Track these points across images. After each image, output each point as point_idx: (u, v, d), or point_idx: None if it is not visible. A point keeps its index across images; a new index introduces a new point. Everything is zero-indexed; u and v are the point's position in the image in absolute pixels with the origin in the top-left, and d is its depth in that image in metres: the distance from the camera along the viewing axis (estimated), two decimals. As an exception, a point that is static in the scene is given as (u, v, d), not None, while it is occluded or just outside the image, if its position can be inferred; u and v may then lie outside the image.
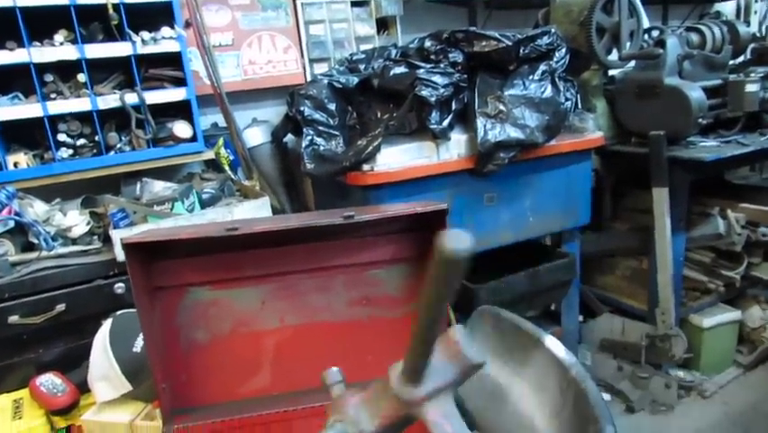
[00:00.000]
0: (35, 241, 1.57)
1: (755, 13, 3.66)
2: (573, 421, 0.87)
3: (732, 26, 2.51)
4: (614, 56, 2.36)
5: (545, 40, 1.92)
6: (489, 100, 1.86)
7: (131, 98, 1.79)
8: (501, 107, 1.85)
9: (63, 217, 1.63)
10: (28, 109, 1.67)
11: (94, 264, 1.56)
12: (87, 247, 1.61)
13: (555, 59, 1.97)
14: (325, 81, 1.97)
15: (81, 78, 1.73)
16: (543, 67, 1.94)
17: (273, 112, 2.39)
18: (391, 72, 1.84)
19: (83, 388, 1.41)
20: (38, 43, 1.67)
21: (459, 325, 0.44)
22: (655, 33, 2.42)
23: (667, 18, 3.55)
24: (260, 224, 1.07)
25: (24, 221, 1.57)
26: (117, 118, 1.84)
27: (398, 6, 2.49)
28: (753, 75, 2.26)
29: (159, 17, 1.82)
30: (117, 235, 1.50)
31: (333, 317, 1.23)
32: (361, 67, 2.19)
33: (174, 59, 1.86)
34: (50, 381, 1.41)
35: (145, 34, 1.78)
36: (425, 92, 1.72)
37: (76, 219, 1.62)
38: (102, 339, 1.34)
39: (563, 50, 1.99)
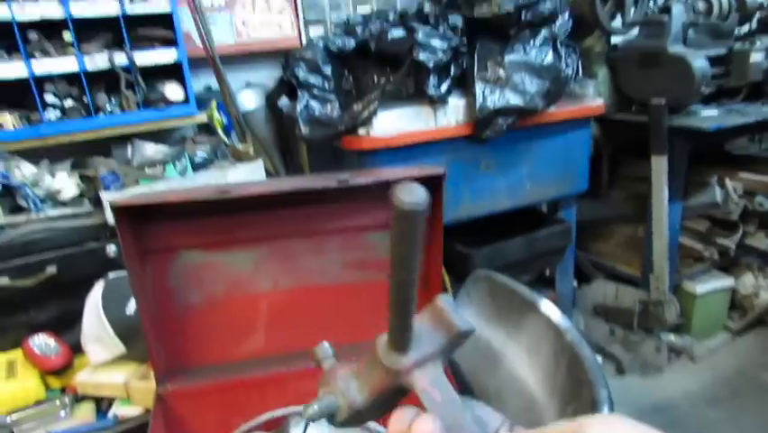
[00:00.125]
0: (24, 204, 1.55)
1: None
2: (567, 384, 0.87)
3: (739, -7, 2.46)
4: (617, 22, 2.31)
5: (548, 5, 1.87)
6: (489, 65, 1.83)
7: (120, 59, 1.74)
8: (501, 73, 1.82)
9: (52, 180, 1.60)
10: (12, 68, 1.62)
11: (85, 227, 1.54)
12: (78, 210, 1.59)
13: (557, 25, 1.93)
14: (321, 44, 1.92)
15: (67, 36, 1.68)
16: (544, 32, 1.90)
17: (267, 75, 2.34)
18: (389, 36, 1.80)
19: (77, 349, 1.41)
20: (20, -1, 1.61)
21: (446, 294, 0.42)
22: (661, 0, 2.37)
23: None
24: (254, 187, 1.06)
25: (12, 183, 1.54)
26: (106, 80, 1.79)
27: (397, -33, 2.42)
28: (758, 44, 2.21)
29: (148, -26, 1.76)
30: (107, 198, 1.48)
31: (327, 280, 1.22)
32: (359, 30, 2.13)
33: (164, 20, 1.81)
34: (43, 342, 1.41)
35: (134, -8, 1.72)
36: (423, 56, 1.68)
37: (65, 182, 1.60)
38: (94, 302, 1.33)
39: (566, 16, 1.94)
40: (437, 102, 1.75)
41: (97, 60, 1.72)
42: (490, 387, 1.03)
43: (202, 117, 1.94)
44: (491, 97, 1.76)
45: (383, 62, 1.86)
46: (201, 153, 1.76)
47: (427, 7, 1.93)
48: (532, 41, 1.88)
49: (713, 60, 2.17)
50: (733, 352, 2.50)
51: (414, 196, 0.28)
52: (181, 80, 1.86)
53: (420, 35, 1.71)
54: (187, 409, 1.12)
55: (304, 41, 2.29)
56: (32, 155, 1.75)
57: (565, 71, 1.89)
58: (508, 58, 1.84)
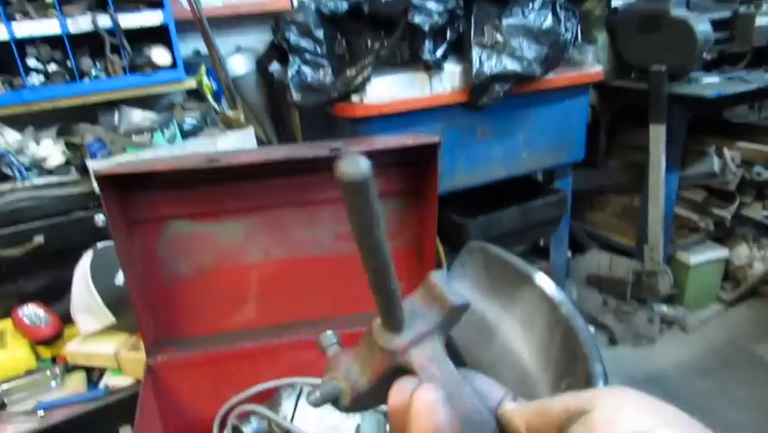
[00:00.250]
0: (8, 172, 1.51)
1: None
2: (561, 358, 0.86)
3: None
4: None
5: (547, -35, 1.81)
6: (486, 29, 1.77)
7: (104, 21, 1.68)
8: (498, 38, 1.77)
9: (37, 147, 1.56)
10: (-8, 30, 1.56)
11: (72, 196, 1.51)
12: (64, 178, 1.55)
13: (557, -14, 1.87)
14: (313, 6, 1.86)
15: (48, -4, 1.61)
16: (543, -6, 1.84)
17: (258, 39, 2.27)
18: (383, -3, 1.74)
19: (66, 319, 1.39)
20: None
21: (440, 270, 0.41)
22: (664, -40, 2.30)
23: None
24: (243, 155, 1.02)
25: (-4, 150, 1.50)
26: (90, 43, 1.73)
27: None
28: (764, 7, 2.16)
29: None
30: (94, 167, 1.44)
31: (319, 251, 1.20)
32: (352, -9, 2.07)
33: (149, -21, 1.74)
34: (32, 311, 1.39)
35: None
36: (418, 19, 1.63)
37: (50, 149, 1.55)
38: (83, 272, 1.31)
39: (566, -23, 1.88)
40: (433, 67, 1.71)
41: (80, 23, 1.65)
42: (484, 360, 1.02)
43: (191, 83, 1.89)
44: (488, 63, 1.72)
45: (377, 26, 1.80)
46: (190, 120, 1.72)
47: (423, -32, 1.86)
48: (531, 4, 1.83)
49: (716, 24, 2.12)
50: (725, 323, 2.52)
51: (355, 166, 0.27)
52: (168, 44, 1.80)
53: (415, -3, 1.65)
54: (177, 380, 1.10)
55: (295, 4, 2.22)
56: (16, 122, 1.71)
57: (564, 36, 1.83)
58: (506, 21, 1.78)
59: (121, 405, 1.20)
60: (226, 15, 2.15)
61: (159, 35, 1.79)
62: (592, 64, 2.05)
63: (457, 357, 1.08)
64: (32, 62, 1.65)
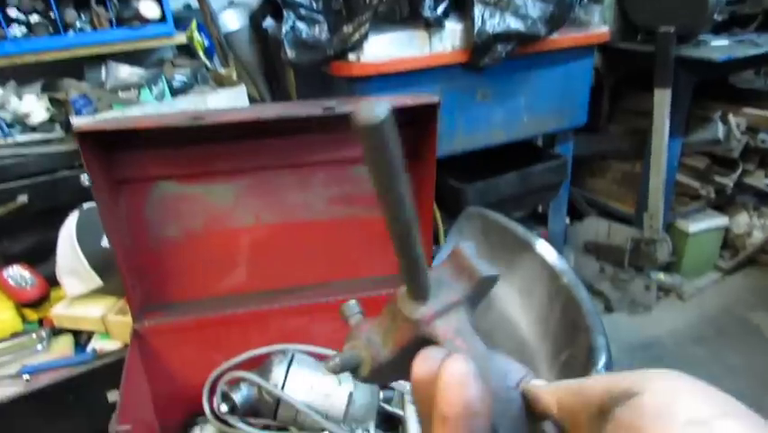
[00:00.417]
0: (-10, 127, 1.45)
1: None
2: (561, 328, 0.83)
3: None
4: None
5: None
6: (489, -15, 1.69)
7: (88, -31, 1.59)
8: (502, -6, 1.69)
9: (20, 102, 1.50)
10: (-31, -23, 1.48)
11: (56, 154, 1.46)
12: (49, 136, 1.49)
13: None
14: (308, -43, 1.76)
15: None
16: (550, -54, 1.75)
17: (251, -7, 2.18)
18: (382, -53, 1.65)
19: (53, 281, 1.36)
20: None
21: (469, 241, 0.39)
22: None
23: None
24: (231, 114, 0.97)
25: (-24, 105, 1.44)
26: (75, -7, 1.65)
27: None
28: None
29: None
30: (76, 123, 1.38)
31: (312, 215, 1.16)
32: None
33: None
34: (17, 273, 1.36)
35: None
36: (418, -29, 1.55)
37: (34, 105, 1.49)
38: (68, 233, 1.27)
39: (574, -72, 1.78)
40: (433, 25, 1.63)
41: (63, -30, 1.57)
42: (481, 328, 1.00)
43: (181, 38, 1.81)
44: (491, 21, 1.64)
45: (376, -20, 1.71)
46: (180, 77, 1.65)
47: None
48: (537, -40, 1.74)
49: (728, -16, 2.04)
50: (721, 291, 2.51)
51: (373, 110, 0.26)
52: (157, -4, 1.72)
53: (416, -52, 1.57)
54: (165, 345, 1.08)
55: (291, -44, 2.11)
56: (-2, 75, 1.64)
57: (571, -7, 1.75)
58: (511, -24, 1.70)
59: (108, 370, 1.18)
60: (218, -33, 2.05)
61: (146, -14, 1.70)
62: (598, 25, 1.97)
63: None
64: (12, 12, 1.56)
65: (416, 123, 1.08)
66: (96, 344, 1.26)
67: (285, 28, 1.68)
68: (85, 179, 1.39)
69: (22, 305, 1.35)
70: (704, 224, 2.46)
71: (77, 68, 1.75)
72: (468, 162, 1.91)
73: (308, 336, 1.11)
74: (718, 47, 2.08)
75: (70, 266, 1.27)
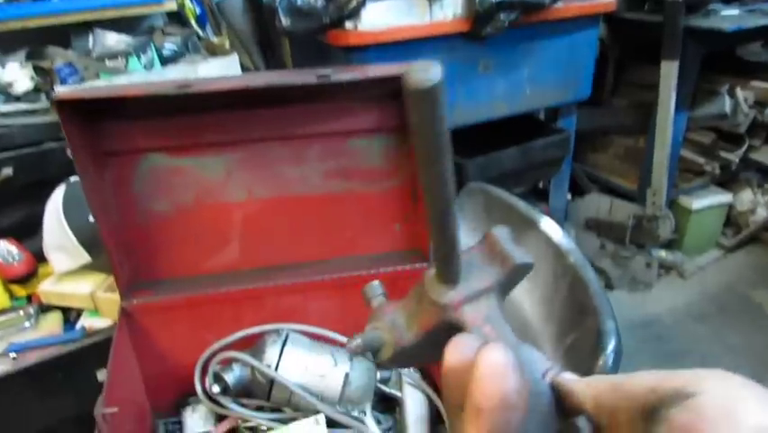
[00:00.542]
0: (-28, 97, 1.40)
1: None
2: (567, 310, 0.80)
3: None
4: None
5: None
6: (493, -51, 1.62)
7: (72, -70, 1.51)
8: (505, -42, 1.61)
9: (2, 71, 1.43)
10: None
11: (42, 125, 1.40)
12: (34, 106, 1.43)
13: None
14: None
15: None
16: None
17: (245, -42, 2.09)
18: None
19: (41, 256, 1.32)
20: None
21: (503, 226, 0.38)
22: None
23: None
24: (220, 82, 0.92)
25: (-43, 73, 1.38)
26: (59, -45, 1.57)
27: None
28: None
29: None
30: (57, 91, 1.33)
31: (307, 189, 1.11)
32: None
33: None
34: (4, 248, 1.32)
35: None
36: (418, -66, 1.47)
37: (17, 73, 1.43)
38: (55, 208, 1.23)
39: None
40: (434, -9, 1.56)
41: (45, -69, 1.49)
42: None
43: (171, 5, 1.73)
44: (494, -12, 1.57)
45: (374, -57, 1.64)
46: (170, 46, 1.58)
47: None
48: (543, -77, 1.66)
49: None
50: (723, 269, 2.48)
51: (426, 72, 0.25)
52: (146, -41, 1.64)
53: None
54: (155, 324, 1.04)
55: None
56: (-20, 44, 1.57)
57: (578, -40, 1.68)
58: (516, -59, 1.62)
59: (98, 348, 1.14)
60: (209, -70, 1.96)
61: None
62: (605, -8, 1.90)
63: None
64: (-7, -23, 1.49)
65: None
66: (86, 321, 1.23)
67: (279, -5, 1.61)
68: (71, 151, 1.34)
69: (9, 281, 1.31)
70: (707, 200, 2.42)
71: (64, 35, 1.68)
72: (468, 137, 1.85)
73: (303, 315, 1.08)
74: (728, 17, 2.01)
75: (57, 242, 1.23)
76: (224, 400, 0.99)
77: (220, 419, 1.04)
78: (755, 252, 2.55)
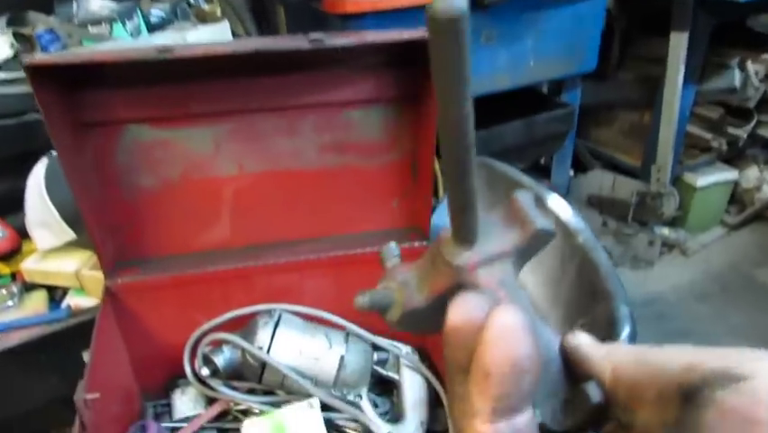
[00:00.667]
0: (-52, 65, 1.32)
1: None
2: (576, 293, 0.75)
3: None
4: None
5: None
6: None
7: None
8: None
9: (-20, 37, 1.36)
10: None
11: (24, 95, 1.33)
12: (14, 75, 1.36)
13: None
14: None
15: None
16: None
17: None
18: None
19: (24, 233, 1.26)
20: None
21: (526, 190, 0.35)
22: None
23: None
24: (204, 47, 0.85)
25: (-67, 40, 1.31)
26: None
27: None
28: None
29: None
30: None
31: (300, 164, 1.06)
32: None
33: None
34: (-14, 225, 1.26)
35: None
36: None
37: (-4, 40, 1.36)
38: (36, 182, 1.17)
39: None
40: (435, -44, 1.49)
41: None
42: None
43: (159, -31, 1.66)
44: (499, -47, 1.50)
45: None
46: (157, 12, 1.50)
47: None
48: None
49: None
50: (726, 247, 2.44)
51: (453, 1, 0.23)
52: None
53: None
54: (141, 304, 1.00)
55: None
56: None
57: (587, -76, 1.60)
58: None
59: (84, 328, 1.09)
60: None
61: None
62: (614, -40, 1.82)
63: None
64: (-31, -64, 1.41)
65: (416, 62, 0.97)
66: (72, 300, 1.18)
67: (273, -42, 1.54)
68: (54, 122, 1.28)
69: (-9, 258, 1.26)
70: (712, 177, 2.37)
71: (46, 1, 1.60)
72: (470, 110, 1.79)
73: (296, 295, 1.03)
74: (742, -15, 1.93)
75: (40, 218, 1.17)
76: (213, 383, 0.95)
77: (211, 401, 1.01)
78: (760, 230, 2.50)
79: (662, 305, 2.12)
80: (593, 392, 0.30)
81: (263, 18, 1.99)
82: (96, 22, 1.36)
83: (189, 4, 1.68)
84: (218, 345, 0.96)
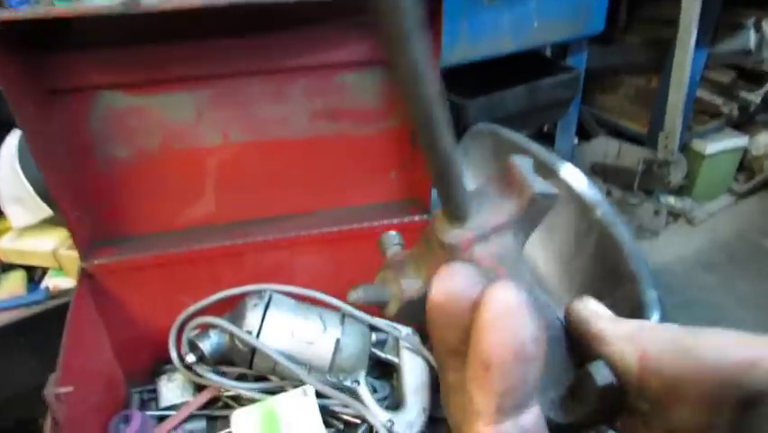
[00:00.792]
0: None
1: None
2: (592, 275, 0.68)
3: None
4: None
5: None
6: None
7: None
8: None
9: (-57, -2, 1.26)
10: None
11: (-8, 62, 1.24)
12: (-18, 39, 1.27)
13: None
14: None
15: None
16: None
17: None
18: None
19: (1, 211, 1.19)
20: None
21: (521, 154, 0.31)
22: None
23: None
24: (179, 1, 0.76)
25: None
26: None
27: None
28: None
29: None
30: None
31: (290, 132, 0.98)
32: None
33: None
34: (-42, 202, 1.19)
35: None
36: None
37: (-39, 1, 1.26)
38: (8, 156, 1.09)
39: None
40: None
41: None
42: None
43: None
44: None
45: None
46: (136, -30, 1.40)
47: None
48: None
49: None
50: (734, 216, 2.37)
51: None
52: None
53: None
54: (122, 286, 0.93)
55: None
56: None
57: None
58: None
59: (63, 310, 1.03)
60: None
61: None
62: None
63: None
64: None
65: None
66: (50, 281, 1.11)
67: None
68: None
69: (-35, 237, 1.19)
70: (721, 144, 2.29)
71: (18, -41, 1.49)
72: (471, 76, 1.70)
73: (288, 274, 0.97)
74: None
75: (14, 193, 1.10)
76: (201, 370, 0.89)
77: (199, 388, 0.95)
78: (768, 198, 2.44)
79: (668, 275, 2.07)
80: (601, 374, 0.25)
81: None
82: (68, -20, 1.25)
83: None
84: (205, 329, 0.90)
